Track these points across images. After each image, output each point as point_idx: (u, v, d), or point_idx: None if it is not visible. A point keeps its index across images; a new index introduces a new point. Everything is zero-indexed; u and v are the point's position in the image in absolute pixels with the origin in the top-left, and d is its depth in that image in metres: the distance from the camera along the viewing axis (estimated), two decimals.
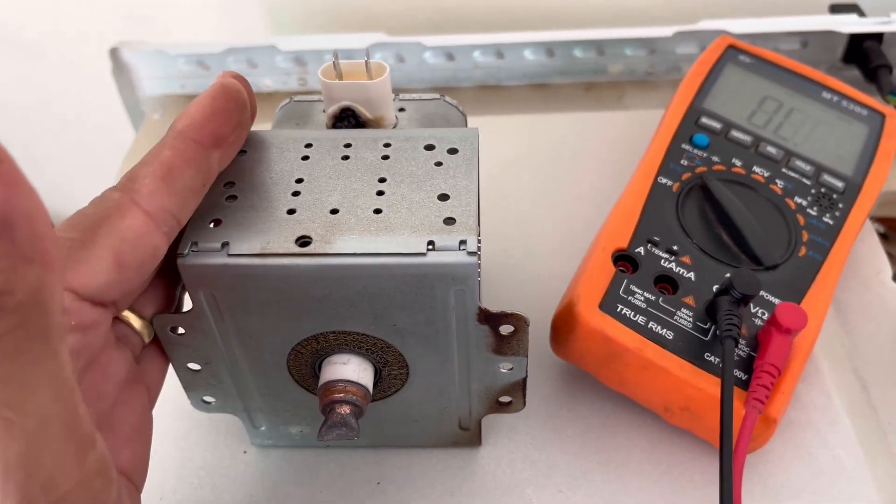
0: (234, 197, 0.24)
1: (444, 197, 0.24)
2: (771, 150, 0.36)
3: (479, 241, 0.24)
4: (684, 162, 0.35)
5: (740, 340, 0.29)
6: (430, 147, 0.26)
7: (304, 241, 0.23)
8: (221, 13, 0.59)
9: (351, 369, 0.25)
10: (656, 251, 0.31)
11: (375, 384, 0.26)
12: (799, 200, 0.34)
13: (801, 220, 0.33)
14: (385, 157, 0.26)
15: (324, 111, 0.29)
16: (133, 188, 0.21)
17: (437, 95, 0.31)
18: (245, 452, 0.31)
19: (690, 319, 0.29)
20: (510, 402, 0.28)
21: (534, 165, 0.43)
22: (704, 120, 0.36)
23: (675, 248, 0.31)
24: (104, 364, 0.22)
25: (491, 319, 0.24)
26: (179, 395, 0.28)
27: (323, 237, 0.23)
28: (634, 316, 0.29)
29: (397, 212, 0.24)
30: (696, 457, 0.30)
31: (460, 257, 0.22)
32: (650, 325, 0.29)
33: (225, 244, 0.23)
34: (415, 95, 0.31)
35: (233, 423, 0.32)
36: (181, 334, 0.25)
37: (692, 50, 0.48)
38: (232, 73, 0.24)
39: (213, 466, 0.31)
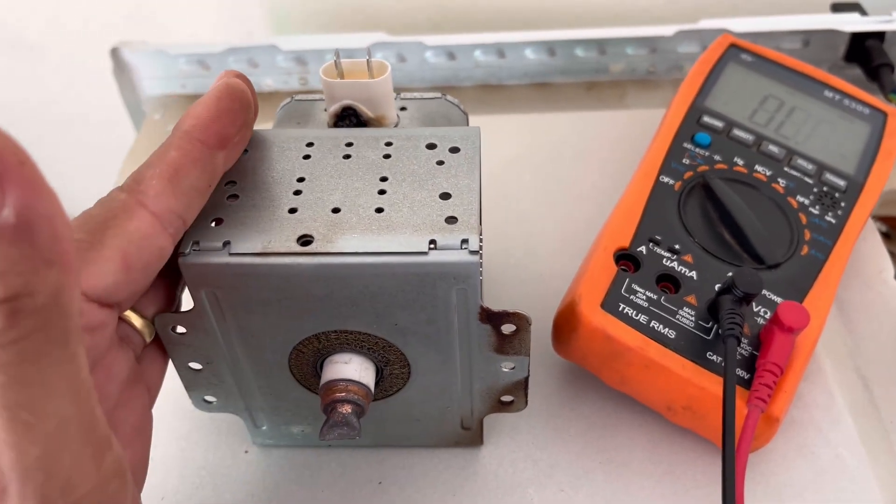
0: (235, 196, 0.24)
1: (445, 196, 0.24)
2: (773, 148, 0.35)
3: (480, 240, 0.24)
4: (686, 161, 0.35)
5: (742, 339, 0.29)
6: (431, 146, 0.26)
7: (305, 240, 0.23)
8: (222, 13, 0.59)
9: (352, 368, 0.25)
10: (658, 250, 0.31)
11: (377, 383, 0.26)
12: (801, 199, 0.34)
13: (804, 219, 0.33)
14: (387, 156, 0.25)
15: (325, 110, 0.29)
16: (139, 189, 0.21)
17: (439, 94, 0.31)
18: (246, 452, 0.31)
19: (692, 318, 0.29)
20: (512, 402, 0.28)
21: (535, 165, 0.43)
22: (706, 119, 0.36)
23: (677, 246, 0.31)
24: (108, 365, 0.22)
25: (493, 318, 0.24)
26: (181, 395, 0.28)
27: (324, 236, 0.23)
28: (636, 315, 0.29)
29: (399, 211, 0.24)
30: (698, 456, 0.30)
31: (462, 256, 0.22)
32: (652, 324, 0.29)
33: (226, 243, 0.23)
34: (416, 94, 0.30)
35: (234, 422, 0.32)
36: (182, 334, 0.25)
37: (694, 49, 0.48)
38: (235, 72, 0.24)
39: (215, 466, 0.31)
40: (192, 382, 0.27)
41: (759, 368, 0.27)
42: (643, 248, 0.31)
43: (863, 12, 0.48)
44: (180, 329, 0.25)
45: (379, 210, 0.24)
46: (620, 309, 0.29)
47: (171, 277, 0.25)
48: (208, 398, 0.28)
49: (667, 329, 0.29)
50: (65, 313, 0.15)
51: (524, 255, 0.38)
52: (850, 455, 0.30)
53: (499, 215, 0.40)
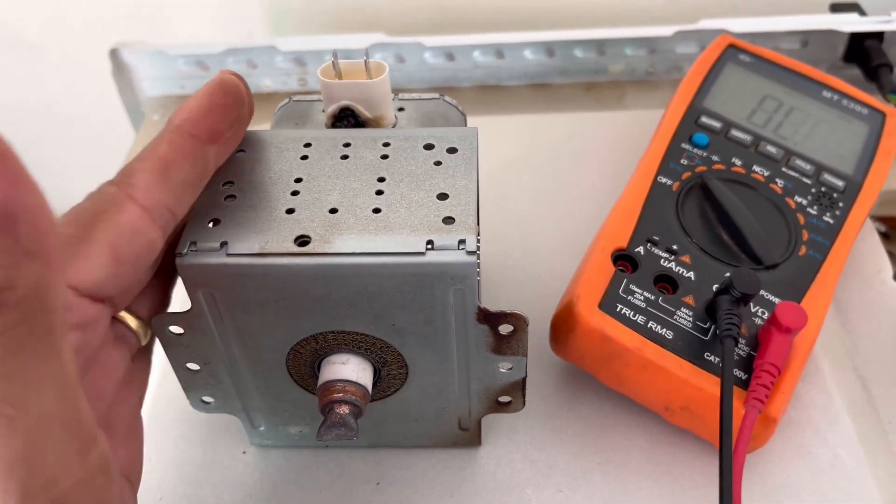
0: (232, 196, 0.24)
1: (443, 196, 0.24)
2: (771, 149, 0.35)
3: (478, 241, 0.24)
4: (684, 161, 0.35)
5: (740, 340, 0.29)
6: (429, 146, 0.26)
7: (302, 240, 0.23)
8: (221, 14, 0.59)
9: (350, 369, 0.25)
10: (656, 251, 0.31)
11: (375, 384, 0.26)
12: (799, 199, 0.34)
13: (802, 220, 0.33)
14: (384, 157, 0.26)
15: (323, 111, 0.29)
16: (129, 183, 0.21)
17: (437, 95, 0.31)
18: (244, 453, 0.31)
19: (690, 319, 0.29)
20: (510, 402, 0.28)
21: (534, 165, 0.43)
22: (704, 119, 0.36)
23: (674, 247, 0.31)
24: (103, 362, 0.22)
25: (490, 319, 0.24)
26: (178, 396, 0.28)
27: (322, 237, 0.23)
28: (634, 315, 0.29)
29: (396, 211, 0.24)
30: (696, 456, 0.30)
31: (459, 257, 0.22)
32: (650, 324, 0.29)
33: (224, 244, 0.23)
34: (414, 95, 0.31)
35: (232, 423, 0.32)
36: (180, 334, 0.25)
37: (693, 49, 0.48)
38: (230, 71, 0.25)
39: (213, 467, 0.31)
40: (189, 383, 0.27)
41: (756, 369, 0.27)
42: (641, 249, 0.31)
43: (861, 12, 0.48)
44: (178, 329, 0.25)
45: (376, 210, 0.24)
46: (618, 309, 0.29)
47: (166, 279, 0.25)
48: (206, 399, 0.28)
49: (664, 329, 0.29)
50: (47, 307, 0.15)
51: (523, 256, 0.38)
52: (848, 455, 0.30)
53: (498, 216, 0.40)
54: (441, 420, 0.29)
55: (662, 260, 0.31)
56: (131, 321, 0.24)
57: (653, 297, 0.30)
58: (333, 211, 0.24)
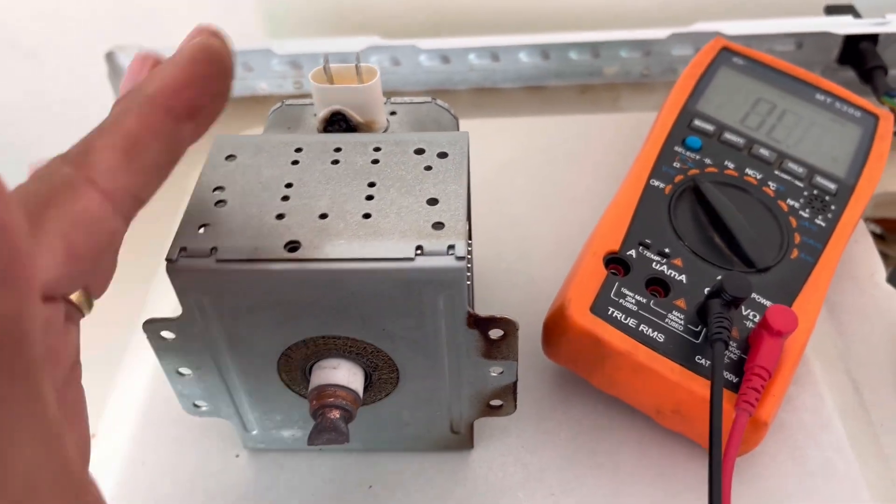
0: (223, 202, 0.24)
1: (433, 201, 0.24)
2: (764, 152, 0.36)
3: (469, 246, 0.24)
4: (677, 164, 0.35)
5: (731, 343, 0.29)
6: (419, 151, 0.26)
7: (292, 246, 0.23)
8: (217, 18, 0.59)
9: (341, 374, 0.25)
10: (648, 254, 0.31)
11: (366, 388, 0.26)
12: (791, 202, 0.34)
13: (794, 223, 0.33)
14: (375, 162, 0.26)
15: (315, 115, 0.29)
16: (87, 162, 0.18)
17: (429, 99, 0.31)
18: (237, 456, 0.31)
19: (681, 322, 0.29)
20: (501, 406, 0.28)
21: (529, 168, 0.43)
22: (697, 122, 0.36)
23: (666, 250, 0.31)
24: (56, 353, 0.19)
25: (480, 324, 0.24)
26: (171, 399, 0.28)
27: (312, 242, 0.23)
28: (625, 319, 0.29)
29: (386, 216, 0.24)
30: (688, 459, 0.30)
31: (448, 262, 0.22)
32: (641, 327, 0.29)
33: (214, 249, 0.23)
34: (406, 99, 0.31)
35: (225, 426, 0.32)
36: (171, 339, 0.25)
37: (687, 52, 0.48)
38: (211, 28, 0.21)
39: (206, 470, 0.31)
40: (182, 388, 0.27)
41: (747, 372, 0.27)
42: (633, 252, 0.31)
43: (856, 15, 0.48)
44: (169, 335, 0.25)
45: (366, 216, 0.24)
46: (609, 313, 0.29)
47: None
48: (198, 403, 0.28)
49: (656, 333, 0.29)
50: (26, 342, 0.13)
51: (518, 259, 0.38)
52: (839, 458, 0.30)
53: (492, 219, 0.40)
54: (433, 424, 0.29)
55: (654, 263, 0.31)
56: (73, 295, 0.20)
57: (644, 301, 0.30)
58: (323, 216, 0.24)
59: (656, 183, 0.34)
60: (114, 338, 0.36)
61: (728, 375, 0.28)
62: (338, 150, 0.26)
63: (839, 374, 0.34)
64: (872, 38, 0.46)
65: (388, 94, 0.30)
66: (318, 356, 0.25)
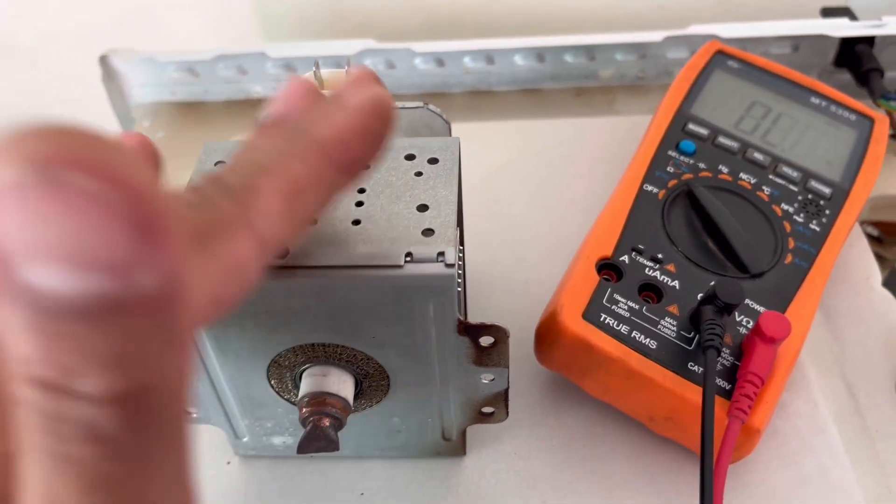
0: None
1: (423, 208, 0.24)
2: (758, 156, 0.35)
3: (460, 252, 0.24)
4: (670, 169, 0.34)
5: (724, 349, 0.29)
6: (410, 157, 0.26)
7: (281, 253, 0.23)
8: (213, 20, 0.59)
9: (330, 381, 0.25)
10: (641, 259, 0.31)
11: (356, 396, 0.26)
12: (786, 207, 0.34)
13: (788, 227, 0.33)
14: (365, 167, 0.25)
15: None
16: (251, 204, 0.16)
17: (421, 104, 0.31)
18: (229, 463, 0.31)
19: (674, 328, 0.29)
20: (493, 413, 0.28)
21: (524, 171, 0.43)
22: (691, 126, 0.36)
23: (659, 256, 0.31)
24: None
25: (470, 331, 0.24)
26: None
27: (301, 249, 0.23)
28: (618, 325, 0.29)
29: (376, 223, 0.23)
30: (681, 466, 0.30)
31: (438, 269, 0.22)
32: (633, 334, 0.29)
33: None
34: (398, 104, 0.30)
35: (216, 433, 0.31)
36: None
37: (683, 54, 0.48)
38: (375, 75, 0.20)
39: (198, 477, 0.31)
40: None
41: (739, 379, 0.27)
42: (626, 258, 0.31)
43: (852, 17, 0.48)
44: None
45: (356, 222, 0.24)
46: (602, 319, 0.29)
47: None
48: (189, 410, 0.28)
49: (648, 339, 0.29)
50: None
51: (512, 263, 0.38)
52: (833, 464, 0.30)
53: (487, 223, 0.40)
54: (424, 431, 0.29)
55: (647, 269, 0.31)
56: None
57: (637, 307, 0.29)
58: (312, 223, 0.23)
59: (650, 188, 0.34)
60: None
61: (721, 382, 0.28)
62: None
63: (834, 379, 0.33)
64: (869, 41, 0.46)
65: None
66: (308, 363, 0.25)
